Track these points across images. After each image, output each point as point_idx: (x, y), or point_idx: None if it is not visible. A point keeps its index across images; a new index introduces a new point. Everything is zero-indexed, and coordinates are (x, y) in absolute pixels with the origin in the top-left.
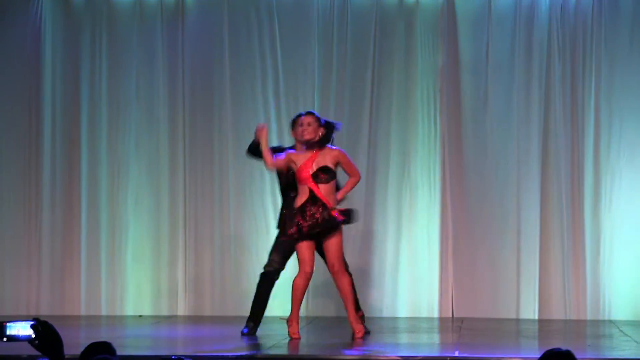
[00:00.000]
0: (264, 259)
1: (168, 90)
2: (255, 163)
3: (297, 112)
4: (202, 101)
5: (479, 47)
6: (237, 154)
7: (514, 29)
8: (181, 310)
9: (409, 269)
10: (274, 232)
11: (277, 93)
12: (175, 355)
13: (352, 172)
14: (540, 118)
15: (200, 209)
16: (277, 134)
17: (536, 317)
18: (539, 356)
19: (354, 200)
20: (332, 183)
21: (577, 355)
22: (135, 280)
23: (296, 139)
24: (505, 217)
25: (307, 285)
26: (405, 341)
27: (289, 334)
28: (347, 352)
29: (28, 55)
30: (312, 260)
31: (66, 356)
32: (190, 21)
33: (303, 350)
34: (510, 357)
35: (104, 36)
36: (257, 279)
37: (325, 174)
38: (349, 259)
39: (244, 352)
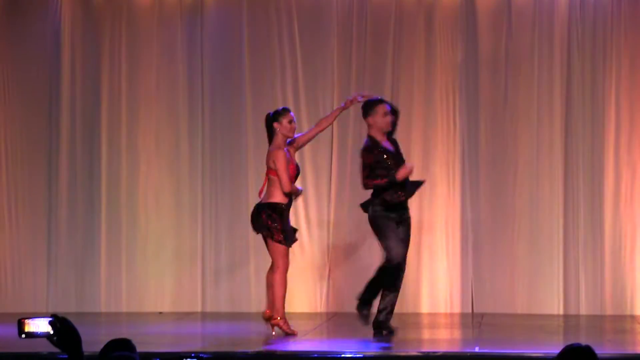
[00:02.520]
0: None
1: (188, 88)
2: None
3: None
4: (221, 98)
5: (498, 43)
6: (256, 151)
7: (534, 25)
8: (201, 307)
9: (429, 264)
10: None
11: (296, 90)
12: (194, 353)
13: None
14: (560, 113)
15: (220, 205)
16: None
17: (556, 312)
18: (558, 352)
19: None
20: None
21: (597, 351)
22: (156, 277)
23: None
24: (525, 213)
25: None
26: (425, 337)
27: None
28: (368, 347)
29: (48, 53)
30: None
31: (86, 353)
32: (209, 18)
33: (323, 347)
34: (531, 353)
35: (124, 34)
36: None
37: None
38: (369, 255)
39: (264, 349)
